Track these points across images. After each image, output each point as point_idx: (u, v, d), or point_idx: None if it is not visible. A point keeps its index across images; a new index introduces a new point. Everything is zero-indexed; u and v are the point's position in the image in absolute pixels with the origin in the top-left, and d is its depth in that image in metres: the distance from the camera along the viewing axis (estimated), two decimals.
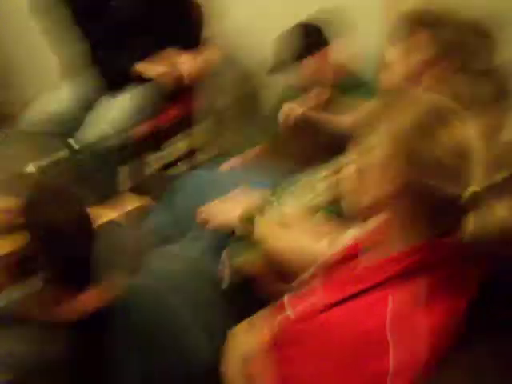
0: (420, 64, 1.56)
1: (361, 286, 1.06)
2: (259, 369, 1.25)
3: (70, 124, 2.89)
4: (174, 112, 3.10)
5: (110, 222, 1.77)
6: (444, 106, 1.04)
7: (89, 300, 1.44)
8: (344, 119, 2.28)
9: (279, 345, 1.12)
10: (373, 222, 1.22)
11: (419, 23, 1.57)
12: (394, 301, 1.03)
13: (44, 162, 2.90)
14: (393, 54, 1.59)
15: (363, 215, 1.18)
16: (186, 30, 2.93)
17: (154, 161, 3.66)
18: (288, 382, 1.08)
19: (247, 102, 3.43)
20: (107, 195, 3.00)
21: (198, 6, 3.00)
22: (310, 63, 2.51)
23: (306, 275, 1.39)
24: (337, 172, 1.77)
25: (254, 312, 1.65)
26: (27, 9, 2.78)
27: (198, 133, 3.36)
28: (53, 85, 3.03)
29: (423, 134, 0.99)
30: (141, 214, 1.79)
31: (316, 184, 1.86)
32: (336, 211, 1.70)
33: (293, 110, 2.28)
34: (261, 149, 2.56)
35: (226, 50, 3.10)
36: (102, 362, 1.43)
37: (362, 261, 1.18)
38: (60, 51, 2.88)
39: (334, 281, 1.19)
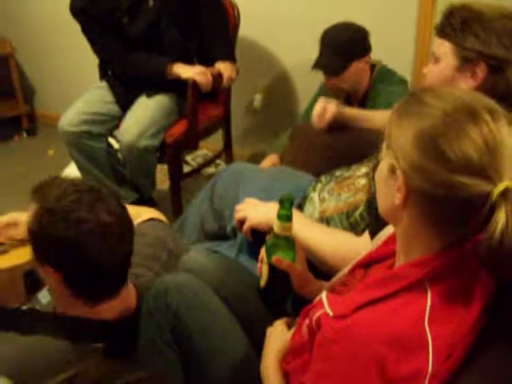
0: (452, 71, 1.55)
1: (394, 286, 1.06)
2: (293, 365, 1.25)
3: (109, 124, 2.94)
4: (211, 111, 3.12)
5: (149, 221, 1.78)
6: (474, 101, 1.01)
7: (121, 302, 1.45)
8: (378, 115, 2.27)
9: (317, 342, 1.12)
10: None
11: (444, 33, 1.57)
12: (433, 294, 1.02)
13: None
14: (440, 48, 1.58)
15: (387, 219, 1.18)
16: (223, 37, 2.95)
17: (192, 160, 3.69)
18: (323, 379, 1.08)
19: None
20: (146, 193, 3.04)
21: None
22: (353, 68, 2.51)
23: (343, 272, 1.39)
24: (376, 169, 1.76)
25: (292, 309, 1.66)
26: (64, 11, 2.83)
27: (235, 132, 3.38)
28: (90, 86, 3.07)
29: (452, 130, 0.97)
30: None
31: (356, 180, 1.85)
32: (374, 209, 1.69)
33: (326, 108, 2.26)
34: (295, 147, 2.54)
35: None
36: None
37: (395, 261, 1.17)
38: (97, 52, 2.92)
39: (371, 279, 1.19)
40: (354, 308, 1.06)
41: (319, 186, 1.96)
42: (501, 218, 0.92)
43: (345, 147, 2.23)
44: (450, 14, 1.55)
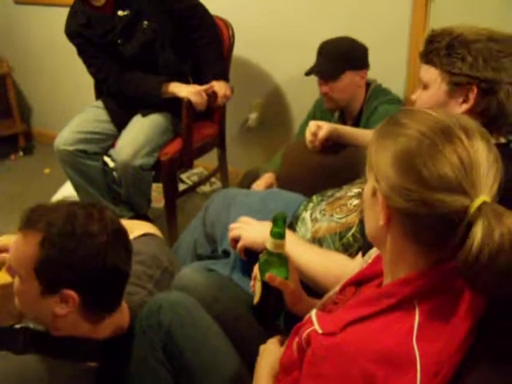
0: (443, 96, 1.57)
1: (382, 305, 1.07)
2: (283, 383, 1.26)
3: (105, 143, 2.96)
4: (206, 130, 3.14)
5: (144, 236, 1.78)
6: (449, 121, 1.03)
7: (115, 320, 1.46)
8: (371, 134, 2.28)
9: (307, 359, 1.12)
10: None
11: (429, 59, 1.58)
12: (421, 312, 1.03)
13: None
14: (427, 75, 1.59)
15: (373, 242, 1.19)
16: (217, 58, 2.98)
17: (187, 178, 3.70)
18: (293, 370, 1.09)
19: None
20: (141, 211, 3.05)
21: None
22: (347, 79, 2.54)
23: (334, 291, 1.39)
24: None
25: (284, 326, 1.67)
26: (60, 31, 2.86)
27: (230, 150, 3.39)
28: (86, 105, 3.09)
29: (427, 150, 0.98)
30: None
31: (348, 201, 1.86)
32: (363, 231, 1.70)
33: (320, 127, 2.27)
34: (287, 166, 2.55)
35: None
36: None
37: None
38: (92, 74, 2.95)
39: (360, 297, 1.20)
40: (343, 325, 1.07)
41: (311, 205, 1.97)
42: (477, 232, 0.93)
43: (338, 166, 2.24)
44: (433, 39, 1.56)
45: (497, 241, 0.91)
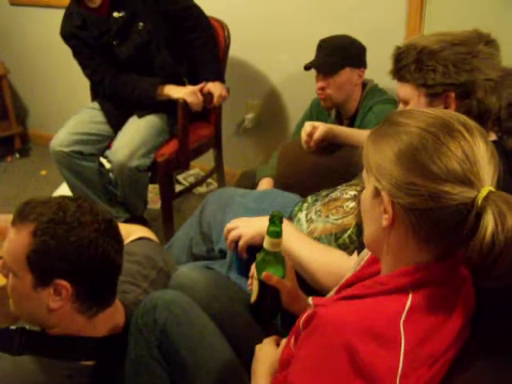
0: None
1: (375, 289, 1.08)
2: (281, 377, 1.26)
3: (101, 144, 2.96)
4: (202, 131, 3.14)
5: (139, 240, 1.79)
6: (448, 116, 1.05)
7: (110, 318, 1.47)
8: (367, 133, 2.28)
9: (302, 336, 1.14)
10: None
11: (402, 77, 1.59)
12: (414, 298, 1.04)
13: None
14: (403, 92, 1.61)
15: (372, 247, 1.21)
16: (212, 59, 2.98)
17: (184, 179, 3.71)
18: (300, 364, 1.10)
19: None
20: (137, 213, 3.05)
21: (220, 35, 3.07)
22: (345, 75, 2.55)
23: (330, 295, 1.39)
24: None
25: (281, 326, 1.67)
26: (56, 32, 2.86)
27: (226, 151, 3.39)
28: (82, 106, 3.10)
29: (431, 144, 1.00)
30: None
31: (344, 203, 1.86)
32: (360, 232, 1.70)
33: (315, 128, 2.28)
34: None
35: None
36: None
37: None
38: (88, 75, 2.95)
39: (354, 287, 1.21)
40: (333, 300, 1.09)
41: (305, 205, 1.97)
42: (489, 220, 0.94)
43: (333, 166, 2.25)
44: (399, 57, 1.58)
45: (511, 226, 0.93)
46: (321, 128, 2.25)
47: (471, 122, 1.05)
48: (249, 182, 2.65)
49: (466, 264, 1.05)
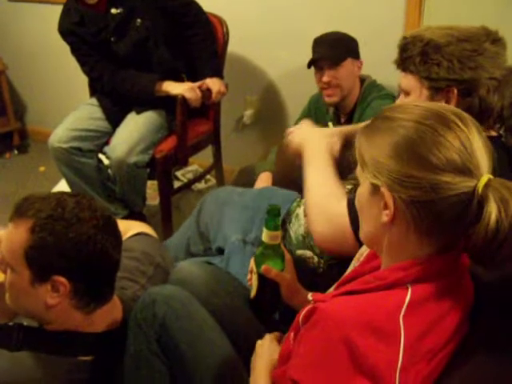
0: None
1: (374, 284, 1.08)
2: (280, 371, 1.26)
3: (99, 140, 2.95)
4: (201, 127, 3.14)
5: (137, 235, 1.79)
6: (441, 109, 1.05)
7: (108, 314, 1.47)
8: None
9: (301, 331, 1.14)
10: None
11: (406, 67, 1.59)
12: (413, 292, 1.04)
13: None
14: (406, 83, 1.61)
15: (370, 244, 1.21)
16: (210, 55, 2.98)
17: (182, 175, 3.71)
18: (300, 360, 1.10)
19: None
20: (136, 209, 3.05)
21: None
22: (346, 66, 2.56)
23: (331, 289, 1.40)
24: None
25: (280, 320, 1.67)
26: (55, 28, 2.85)
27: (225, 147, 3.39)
28: (81, 102, 3.09)
29: (428, 136, 1.00)
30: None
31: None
32: None
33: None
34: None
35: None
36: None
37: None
38: (86, 72, 2.94)
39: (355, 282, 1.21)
40: (332, 296, 1.09)
41: (304, 201, 1.97)
42: (492, 207, 0.95)
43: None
44: (405, 47, 1.58)
45: None
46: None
47: (464, 114, 1.05)
48: (247, 178, 2.65)
49: (469, 252, 1.05)
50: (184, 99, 2.77)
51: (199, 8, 2.91)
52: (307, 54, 2.58)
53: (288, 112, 3.42)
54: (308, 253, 1.84)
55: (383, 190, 1.04)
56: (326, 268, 1.82)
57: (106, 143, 2.94)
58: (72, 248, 1.31)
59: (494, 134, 1.59)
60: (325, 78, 2.58)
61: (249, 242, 1.93)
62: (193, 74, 2.92)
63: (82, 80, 3.12)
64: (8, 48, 4.24)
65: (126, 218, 2.96)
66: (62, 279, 1.32)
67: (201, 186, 3.70)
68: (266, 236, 1.51)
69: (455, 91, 1.52)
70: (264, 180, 2.59)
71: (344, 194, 1.61)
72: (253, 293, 1.57)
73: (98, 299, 1.42)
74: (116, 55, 2.82)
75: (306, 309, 1.15)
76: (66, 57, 3.03)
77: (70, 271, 1.33)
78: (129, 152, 2.72)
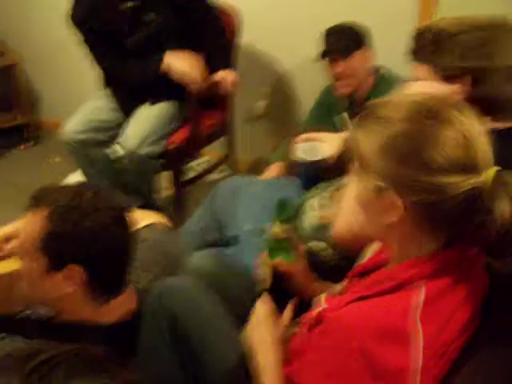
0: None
1: (386, 286, 1.07)
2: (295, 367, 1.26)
3: (112, 131, 2.97)
4: (214, 118, 3.14)
5: (150, 226, 1.79)
6: (436, 101, 1.04)
7: (122, 305, 1.48)
8: None
9: (314, 335, 1.14)
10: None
11: (419, 57, 1.58)
12: (427, 290, 1.04)
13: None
14: (419, 73, 1.59)
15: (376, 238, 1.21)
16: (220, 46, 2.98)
17: (194, 166, 3.71)
18: (311, 367, 1.10)
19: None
20: (148, 200, 3.06)
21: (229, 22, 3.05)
22: (358, 56, 2.56)
23: (339, 284, 1.39)
24: None
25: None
26: (65, 20, 2.86)
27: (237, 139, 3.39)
28: (92, 94, 3.10)
29: (425, 137, 0.99)
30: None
31: None
32: None
33: None
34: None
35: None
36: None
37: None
38: (95, 60, 2.95)
39: (364, 281, 1.21)
40: (346, 303, 1.08)
41: (317, 191, 1.97)
42: (504, 200, 0.95)
43: (344, 152, 2.24)
44: (419, 37, 1.56)
45: None
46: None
47: (463, 104, 1.04)
48: (261, 168, 2.66)
49: (481, 244, 1.05)
50: (196, 90, 2.76)
51: (210, 3, 2.90)
52: (320, 45, 2.57)
53: (301, 102, 3.41)
54: (321, 244, 1.84)
55: (390, 193, 1.03)
56: (339, 260, 1.82)
57: (119, 134, 2.94)
58: (88, 237, 1.32)
59: (509, 125, 1.57)
60: (337, 69, 2.57)
61: (261, 231, 1.93)
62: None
63: (96, 72, 3.13)
64: (22, 40, 4.25)
65: (139, 208, 2.97)
66: (77, 268, 1.33)
67: (214, 176, 3.69)
68: (276, 229, 1.51)
69: (469, 79, 1.51)
70: (273, 170, 2.59)
71: None
72: (265, 285, 1.58)
73: (112, 290, 1.43)
74: (125, 49, 2.82)
75: (318, 310, 1.15)
76: (79, 49, 3.03)
77: (86, 260, 1.34)
78: (141, 143, 2.73)
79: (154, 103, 2.89)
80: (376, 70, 2.64)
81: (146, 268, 1.62)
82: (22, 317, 1.52)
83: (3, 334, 1.50)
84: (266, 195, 2.01)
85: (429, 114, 1.00)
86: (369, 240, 1.39)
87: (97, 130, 2.90)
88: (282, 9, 3.23)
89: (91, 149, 2.90)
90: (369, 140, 1.06)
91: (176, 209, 3.03)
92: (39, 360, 0.80)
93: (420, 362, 0.99)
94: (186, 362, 1.42)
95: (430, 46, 1.53)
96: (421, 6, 2.81)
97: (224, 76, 2.85)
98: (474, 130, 1.00)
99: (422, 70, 1.57)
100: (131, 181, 2.99)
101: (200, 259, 1.74)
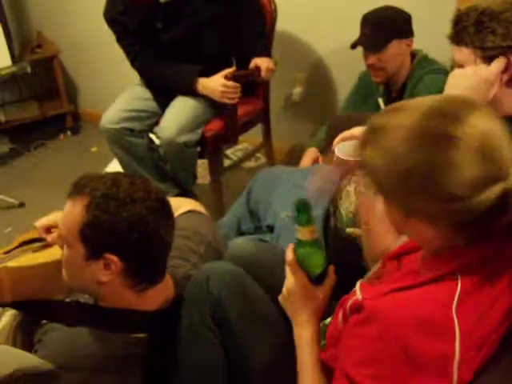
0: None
1: (424, 278, 1.06)
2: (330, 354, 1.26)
3: (150, 120, 2.98)
4: (250, 106, 3.14)
5: (187, 213, 1.80)
6: (446, 102, 1.01)
7: (161, 293, 1.49)
8: None
9: (350, 322, 1.13)
10: None
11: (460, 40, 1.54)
12: (463, 283, 1.03)
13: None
14: (459, 55, 1.56)
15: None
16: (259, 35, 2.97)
17: (232, 154, 3.72)
18: (352, 353, 1.09)
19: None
20: (185, 188, 3.08)
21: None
22: (392, 48, 2.50)
23: (376, 267, 1.38)
24: None
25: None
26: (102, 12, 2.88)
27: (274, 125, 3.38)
28: (131, 83, 3.12)
29: (433, 167, 0.96)
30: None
31: None
32: None
33: None
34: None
35: None
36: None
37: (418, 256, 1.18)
38: (129, 60, 2.98)
39: (402, 271, 1.20)
40: (383, 293, 1.07)
41: (355, 178, 1.95)
42: None
43: None
44: (459, 19, 1.52)
45: None
46: None
47: (468, 99, 1.02)
48: (298, 156, 2.65)
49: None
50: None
51: None
52: (356, 30, 2.54)
53: (337, 89, 3.39)
54: (358, 231, 1.83)
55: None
56: None
57: (157, 123, 2.97)
58: (125, 227, 1.33)
59: None
60: (368, 61, 2.54)
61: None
62: (241, 56, 2.92)
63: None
64: (61, 32, 4.31)
65: (177, 196, 2.99)
66: (114, 257, 1.35)
67: (251, 164, 3.70)
68: (301, 233, 1.36)
69: (510, 59, 1.47)
70: (311, 154, 2.58)
71: None
72: None
73: (150, 279, 1.44)
74: (162, 44, 2.83)
75: (354, 299, 1.14)
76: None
77: (122, 250, 1.36)
78: (178, 131, 2.74)
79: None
80: (413, 55, 2.59)
81: (184, 256, 1.63)
82: (63, 304, 1.55)
83: (44, 321, 1.53)
84: (305, 182, 1.99)
85: (436, 137, 0.97)
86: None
87: (134, 119, 2.92)
88: None
89: (128, 138, 2.91)
90: (383, 169, 1.04)
91: (213, 196, 3.04)
92: None
93: (458, 354, 0.98)
94: (227, 344, 1.43)
95: (472, 26, 1.49)
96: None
97: (260, 63, 2.84)
98: (489, 134, 0.97)
99: (463, 52, 1.54)
100: (168, 169, 3.01)
101: (244, 245, 1.74)
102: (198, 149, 2.95)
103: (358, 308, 1.10)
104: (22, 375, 1.19)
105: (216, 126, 2.89)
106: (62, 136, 4.40)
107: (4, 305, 1.61)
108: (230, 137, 2.97)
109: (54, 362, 1.33)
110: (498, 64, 1.47)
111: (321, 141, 2.59)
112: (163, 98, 2.96)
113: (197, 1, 2.77)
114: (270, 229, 1.98)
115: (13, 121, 4.23)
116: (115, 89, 3.30)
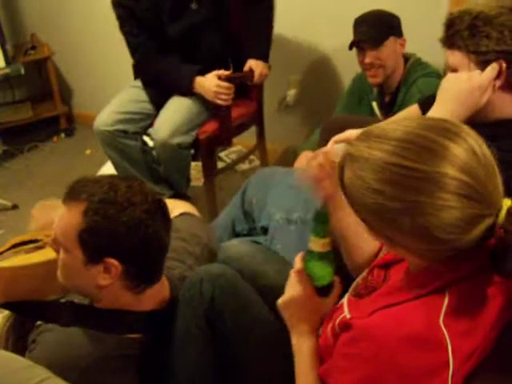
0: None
1: (412, 294, 1.07)
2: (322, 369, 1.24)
3: (143, 122, 2.98)
4: (244, 108, 3.14)
5: (182, 215, 1.80)
6: (425, 131, 0.97)
7: (157, 293, 1.50)
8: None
9: (340, 341, 1.13)
10: None
11: (453, 43, 1.52)
12: (450, 297, 1.03)
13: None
14: (453, 59, 1.56)
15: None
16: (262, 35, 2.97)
17: (226, 156, 3.72)
18: (342, 375, 1.09)
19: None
20: (179, 190, 3.07)
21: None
22: (388, 46, 2.52)
23: (362, 276, 1.35)
24: None
25: None
26: (100, 13, 2.87)
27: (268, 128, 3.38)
28: (125, 85, 3.12)
29: (416, 210, 0.94)
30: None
31: None
32: None
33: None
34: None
35: None
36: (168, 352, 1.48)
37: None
38: (129, 49, 2.96)
39: (390, 284, 1.20)
40: (371, 311, 1.08)
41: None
42: None
43: None
44: (452, 23, 1.51)
45: None
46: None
47: (451, 124, 0.99)
48: (291, 158, 2.65)
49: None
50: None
51: None
52: (350, 33, 2.55)
53: (331, 91, 3.39)
54: None
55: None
56: None
57: (151, 125, 2.96)
58: (124, 232, 1.33)
59: None
60: (367, 60, 2.54)
61: (293, 220, 1.93)
62: (237, 57, 2.92)
63: (127, 63, 3.14)
64: (55, 34, 4.30)
65: (170, 198, 2.98)
66: (114, 261, 1.35)
67: (244, 166, 3.71)
68: (315, 244, 1.34)
69: (503, 64, 1.46)
70: (303, 159, 2.58)
71: None
72: None
73: (148, 280, 1.45)
74: (165, 36, 2.81)
75: (342, 316, 1.14)
76: (111, 42, 3.06)
77: (122, 254, 1.35)
78: (172, 133, 2.74)
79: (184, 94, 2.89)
80: (406, 58, 2.60)
81: (180, 258, 1.63)
82: (57, 304, 1.54)
83: (39, 322, 1.53)
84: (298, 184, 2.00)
85: (412, 177, 0.94)
86: None
87: (128, 121, 2.91)
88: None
89: (122, 140, 2.91)
90: (357, 198, 1.03)
91: (207, 198, 3.04)
92: None
93: (451, 365, 0.99)
94: (220, 346, 1.43)
95: (465, 30, 1.48)
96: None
97: (255, 67, 2.84)
98: (473, 168, 0.93)
99: (457, 57, 1.53)
100: (162, 171, 3.01)
101: (237, 247, 1.74)
102: (192, 151, 2.95)
103: (346, 326, 1.10)
104: None
105: (210, 128, 2.89)
106: (55, 138, 4.39)
107: None
108: (224, 139, 2.96)
109: (48, 362, 1.33)
110: (492, 70, 1.47)
111: (315, 143, 2.59)
112: (159, 98, 2.95)
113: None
114: (264, 230, 1.98)
115: (6, 123, 4.21)
116: (109, 90, 3.30)
